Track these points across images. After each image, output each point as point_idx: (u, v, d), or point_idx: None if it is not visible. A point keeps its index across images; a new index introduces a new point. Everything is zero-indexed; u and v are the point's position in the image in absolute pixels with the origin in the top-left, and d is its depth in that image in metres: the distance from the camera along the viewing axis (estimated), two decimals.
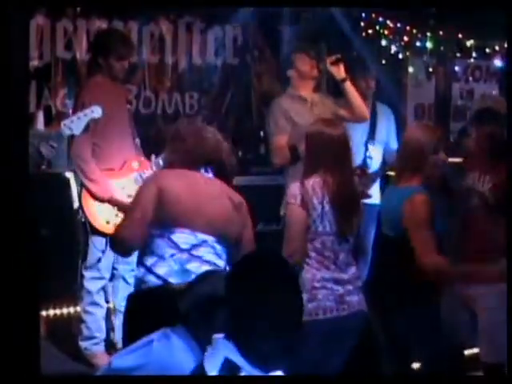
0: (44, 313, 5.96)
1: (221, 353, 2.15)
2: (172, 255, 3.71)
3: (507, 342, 3.96)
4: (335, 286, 4.06)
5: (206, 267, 3.64)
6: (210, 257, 3.75)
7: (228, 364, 2.15)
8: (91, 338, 5.35)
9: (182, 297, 2.46)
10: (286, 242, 4.09)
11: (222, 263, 3.79)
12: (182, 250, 3.71)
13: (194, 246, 3.73)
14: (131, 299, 3.86)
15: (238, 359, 2.16)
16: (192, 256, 3.71)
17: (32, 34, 6.52)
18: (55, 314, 6.14)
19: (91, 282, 5.35)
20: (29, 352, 2.72)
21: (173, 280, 3.67)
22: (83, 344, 5.38)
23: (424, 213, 4.10)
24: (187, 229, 3.73)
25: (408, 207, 4.12)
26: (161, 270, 3.70)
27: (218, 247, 3.79)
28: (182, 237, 3.73)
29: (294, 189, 4.12)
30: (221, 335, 2.22)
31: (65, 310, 6.16)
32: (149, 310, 3.61)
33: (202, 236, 3.74)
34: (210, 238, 3.76)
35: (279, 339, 2.24)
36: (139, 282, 3.77)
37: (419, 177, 4.22)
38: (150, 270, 3.72)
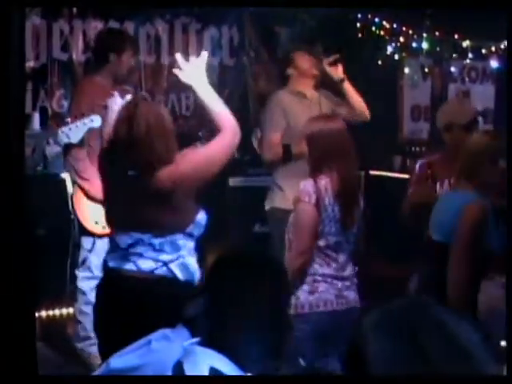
0: (39, 314, 5.94)
1: (205, 362, 2.11)
2: (115, 251, 3.82)
3: (507, 343, 3.94)
4: (335, 280, 4.12)
5: (143, 261, 3.70)
6: (150, 254, 3.72)
7: (214, 372, 2.12)
8: (87, 338, 5.33)
9: (190, 299, 2.44)
10: (296, 240, 4.09)
11: (166, 257, 3.72)
12: (121, 249, 3.78)
13: (131, 245, 3.75)
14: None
15: (224, 366, 2.13)
16: (131, 253, 3.75)
17: (28, 34, 6.52)
18: (51, 315, 6.13)
19: (84, 282, 5.35)
20: (25, 353, 2.72)
21: (111, 264, 3.80)
22: (79, 345, 5.38)
23: (473, 225, 3.68)
24: (121, 229, 3.78)
25: (464, 215, 3.70)
26: (109, 258, 3.84)
27: (157, 242, 3.72)
28: (120, 237, 3.79)
29: (307, 186, 4.06)
30: (194, 343, 2.18)
31: (60, 311, 6.15)
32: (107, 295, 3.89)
33: (136, 235, 3.73)
34: (145, 236, 3.72)
35: (267, 339, 2.23)
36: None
37: (475, 183, 3.78)
38: (105, 261, 3.89)
